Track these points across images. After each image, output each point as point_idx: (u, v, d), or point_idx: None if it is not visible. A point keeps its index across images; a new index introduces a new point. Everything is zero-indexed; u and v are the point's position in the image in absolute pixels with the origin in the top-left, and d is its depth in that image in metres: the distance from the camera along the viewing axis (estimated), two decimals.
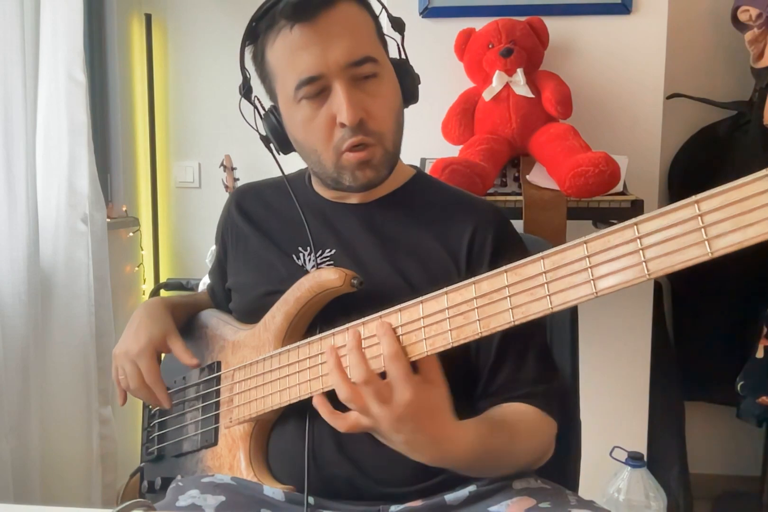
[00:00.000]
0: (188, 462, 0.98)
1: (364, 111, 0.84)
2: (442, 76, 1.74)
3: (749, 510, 2.06)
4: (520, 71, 1.60)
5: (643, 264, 0.56)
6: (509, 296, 0.64)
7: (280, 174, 1.01)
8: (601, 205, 1.51)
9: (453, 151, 1.65)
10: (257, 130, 0.96)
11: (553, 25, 1.68)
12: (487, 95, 1.63)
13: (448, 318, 0.69)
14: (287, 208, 0.99)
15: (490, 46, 1.64)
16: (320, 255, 0.93)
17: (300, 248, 0.95)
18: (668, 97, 1.88)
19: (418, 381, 0.71)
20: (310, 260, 0.93)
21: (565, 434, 0.91)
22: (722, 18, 1.94)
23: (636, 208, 1.50)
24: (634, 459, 1.56)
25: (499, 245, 0.90)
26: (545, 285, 0.61)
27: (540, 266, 0.62)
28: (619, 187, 1.50)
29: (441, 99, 1.66)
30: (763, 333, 1.80)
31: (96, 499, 1.84)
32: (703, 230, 0.52)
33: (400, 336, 0.73)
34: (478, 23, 1.69)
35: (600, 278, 0.59)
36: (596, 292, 0.58)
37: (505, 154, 1.63)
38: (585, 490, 1.00)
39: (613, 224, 0.58)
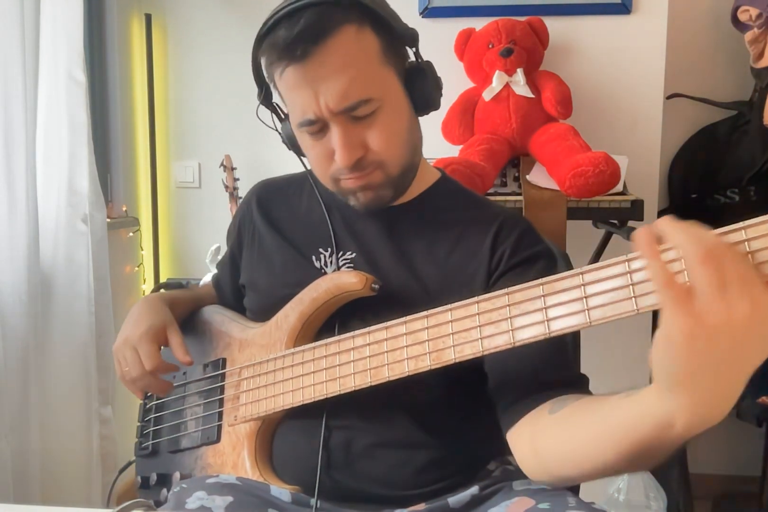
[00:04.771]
0: (186, 459, 0.96)
1: (362, 147, 0.83)
2: (442, 76, 1.71)
3: (749, 510, 2.06)
4: (520, 71, 1.61)
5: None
6: (545, 308, 0.63)
7: (284, 172, 1.01)
8: (601, 205, 1.51)
9: (453, 151, 1.65)
10: (279, 132, 0.95)
11: (553, 25, 1.69)
12: (487, 95, 1.63)
13: (479, 326, 0.68)
14: (308, 207, 0.99)
15: (490, 46, 1.64)
16: (341, 256, 0.92)
17: (320, 249, 0.94)
18: (668, 97, 1.88)
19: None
20: (331, 262, 0.93)
21: None
22: (722, 18, 1.94)
23: (636, 208, 1.50)
24: None
25: (521, 249, 0.88)
26: (583, 299, 0.59)
27: (578, 279, 0.60)
28: (619, 187, 1.50)
29: (441, 99, 1.66)
30: None
31: (96, 499, 1.83)
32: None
33: (427, 342, 0.71)
34: (478, 23, 1.69)
35: (642, 296, 0.56)
36: (638, 309, 0.55)
37: (505, 154, 1.63)
38: (585, 490, 1.00)
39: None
